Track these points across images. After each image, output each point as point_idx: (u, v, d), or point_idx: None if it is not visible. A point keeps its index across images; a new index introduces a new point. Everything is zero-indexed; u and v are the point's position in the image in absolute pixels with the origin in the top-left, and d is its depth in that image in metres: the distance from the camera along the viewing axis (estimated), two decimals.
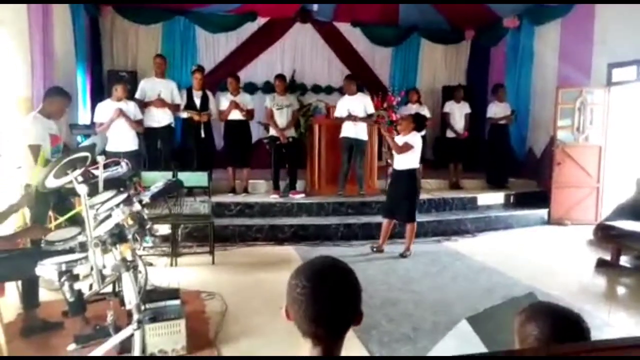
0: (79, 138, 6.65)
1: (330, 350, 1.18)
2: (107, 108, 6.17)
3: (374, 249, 5.93)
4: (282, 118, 7.23)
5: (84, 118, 7.38)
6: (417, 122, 5.76)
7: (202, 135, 6.96)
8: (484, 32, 10.05)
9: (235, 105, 7.08)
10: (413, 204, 5.72)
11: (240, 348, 3.37)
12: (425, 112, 8.04)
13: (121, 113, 6.09)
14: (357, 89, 7.29)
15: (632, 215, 5.77)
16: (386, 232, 5.87)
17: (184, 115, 7.04)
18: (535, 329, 1.38)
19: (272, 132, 7.28)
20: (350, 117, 6.98)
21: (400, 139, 5.66)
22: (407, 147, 5.55)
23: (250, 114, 7.28)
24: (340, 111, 7.18)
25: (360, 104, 7.09)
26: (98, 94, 7.94)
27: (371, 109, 7.16)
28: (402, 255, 5.74)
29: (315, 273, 1.18)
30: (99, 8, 8.38)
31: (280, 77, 7.49)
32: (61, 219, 3.82)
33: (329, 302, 1.15)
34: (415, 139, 5.60)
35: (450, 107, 8.49)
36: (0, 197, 4.16)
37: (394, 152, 5.73)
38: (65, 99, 4.32)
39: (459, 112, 8.38)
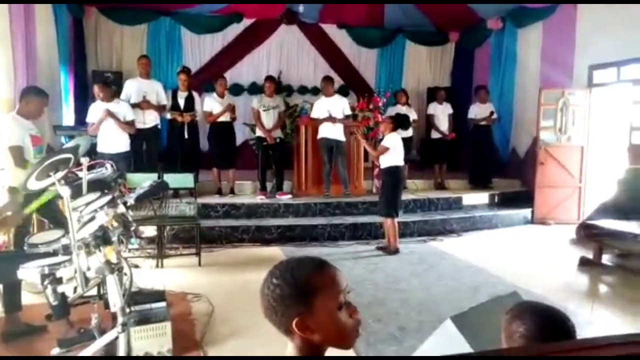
0: (63, 139, 6.57)
1: (303, 346, 1.13)
2: (98, 108, 6.09)
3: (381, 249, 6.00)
4: (269, 119, 7.23)
5: (68, 119, 7.30)
6: (398, 121, 6.00)
7: (186, 136, 6.92)
8: (468, 34, 10.15)
9: (232, 109, 7.12)
10: (391, 200, 5.82)
11: (227, 349, 3.36)
12: (412, 113, 8.12)
13: (109, 114, 6.01)
14: (334, 90, 7.35)
15: (613, 214, 5.88)
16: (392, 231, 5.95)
17: (168, 116, 7.01)
18: (521, 326, 1.40)
19: (259, 133, 7.27)
20: (330, 119, 7.00)
21: (383, 140, 5.91)
22: (382, 150, 5.82)
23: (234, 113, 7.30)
24: (317, 112, 7.20)
25: (338, 105, 7.13)
26: (82, 94, 7.87)
27: (348, 111, 7.25)
28: (379, 248, 5.96)
29: (274, 267, 1.18)
30: (83, 8, 8.29)
31: (270, 78, 7.51)
32: (34, 205, 3.71)
33: (262, 293, 1.16)
34: (391, 139, 5.81)
35: (434, 108, 8.56)
36: None
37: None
38: (42, 98, 4.24)
39: (442, 114, 8.46)
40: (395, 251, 5.84)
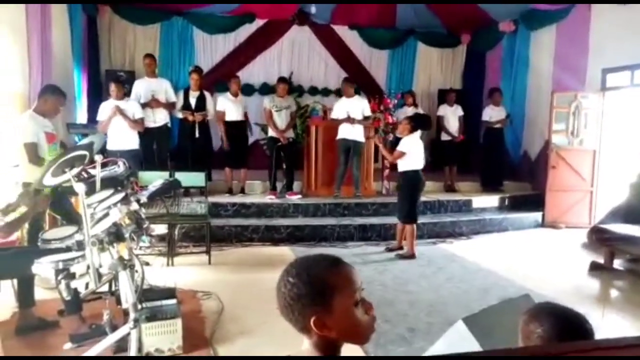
0: (76, 137, 6.64)
1: (320, 343, 1.14)
2: (108, 106, 6.17)
3: (392, 251, 5.98)
4: (281, 119, 7.25)
5: (81, 117, 7.38)
6: (416, 122, 5.86)
7: (197, 135, 6.96)
8: (480, 37, 10.11)
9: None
10: (409, 204, 5.75)
11: (236, 347, 3.38)
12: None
13: (118, 111, 6.08)
14: (354, 91, 7.33)
15: (625, 218, 5.84)
16: (409, 235, 5.88)
17: (179, 115, 7.05)
18: (539, 327, 1.39)
19: (271, 133, 7.30)
20: (349, 120, 7.01)
21: (400, 142, 5.80)
22: (398, 155, 5.73)
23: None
24: (337, 113, 7.21)
25: (358, 106, 7.13)
26: (95, 93, 7.94)
27: (368, 112, 7.21)
28: (396, 253, 5.86)
29: (289, 265, 1.18)
30: (97, 8, 8.36)
31: (283, 79, 7.54)
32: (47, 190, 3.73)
33: (278, 291, 1.15)
34: (408, 142, 5.69)
35: (444, 110, 8.53)
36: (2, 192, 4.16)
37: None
38: (59, 97, 4.31)
39: (452, 116, 8.42)
40: (411, 256, 5.75)
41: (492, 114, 8.27)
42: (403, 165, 5.74)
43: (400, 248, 5.96)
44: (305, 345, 1.18)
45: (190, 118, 6.92)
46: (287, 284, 1.14)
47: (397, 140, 7.15)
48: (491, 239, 6.97)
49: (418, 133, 5.83)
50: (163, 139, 6.97)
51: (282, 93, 7.35)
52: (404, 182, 5.83)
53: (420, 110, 8.43)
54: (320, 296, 1.11)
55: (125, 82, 7.88)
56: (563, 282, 5.05)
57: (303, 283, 1.12)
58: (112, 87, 6.23)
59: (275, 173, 7.29)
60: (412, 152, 5.67)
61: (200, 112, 6.99)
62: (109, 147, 6.12)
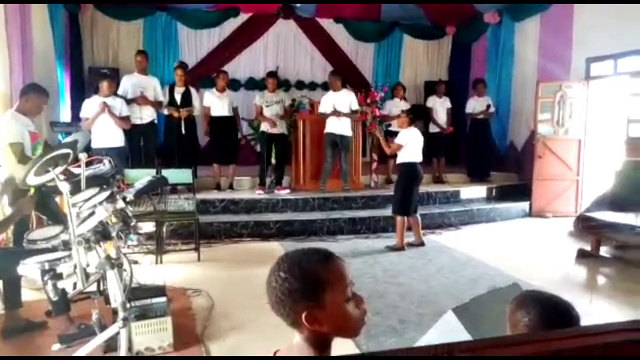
0: (60, 136, 6.55)
1: (311, 336, 1.14)
2: (93, 103, 6.06)
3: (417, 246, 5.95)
4: (272, 114, 7.21)
5: (64, 115, 7.28)
6: (414, 114, 5.99)
7: (183, 132, 6.89)
8: (465, 28, 10.14)
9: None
10: (402, 196, 5.77)
11: (227, 344, 3.37)
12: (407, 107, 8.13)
13: (105, 108, 5.98)
14: (342, 85, 7.31)
15: (611, 206, 5.90)
16: (416, 227, 5.95)
17: (165, 112, 6.99)
18: (525, 316, 1.40)
19: (263, 127, 7.26)
20: (335, 113, 6.99)
21: (398, 135, 5.83)
22: (396, 148, 5.75)
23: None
24: (324, 107, 7.19)
25: (345, 100, 7.12)
26: (79, 91, 7.84)
27: (356, 105, 7.20)
28: (386, 245, 5.88)
29: (279, 259, 1.17)
30: (79, 5, 8.24)
31: (272, 74, 7.51)
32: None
33: (269, 286, 1.14)
34: (405, 135, 5.72)
35: (433, 102, 8.56)
36: None
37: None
38: (42, 96, 4.22)
39: (441, 107, 8.46)
40: (400, 248, 5.76)
41: (475, 105, 8.33)
42: (400, 158, 5.78)
43: (422, 243, 5.92)
44: (296, 339, 1.17)
45: (176, 114, 6.85)
46: (278, 279, 1.12)
47: (387, 133, 7.18)
48: (479, 229, 7.02)
49: (413, 129, 5.84)
50: (150, 135, 6.90)
51: (272, 88, 7.31)
52: (400, 174, 5.89)
53: (408, 104, 8.43)
54: (312, 291, 1.10)
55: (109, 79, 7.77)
56: (551, 270, 5.11)
57: (294, 278, 1.10)
58: (105, 84, 6.08)
59: (266, 168, 7.26)
60: (409, 145, 5.69)
61: (186, 108, 6.93)
62: (94, 144, 6.02)
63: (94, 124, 6.03)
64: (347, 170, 7.27)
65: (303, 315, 1.09)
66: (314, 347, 1.15)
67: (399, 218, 5.81)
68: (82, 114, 6.12)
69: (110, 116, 6.01)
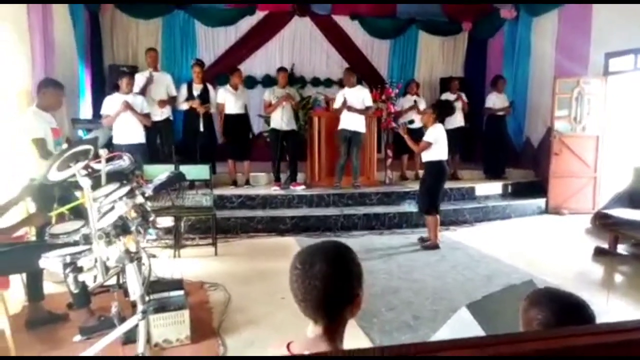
0: (81, 132, 6.67)
1: (330, 330, 1.23)
2: (114, 101, 6.15)
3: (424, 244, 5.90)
4: (281, 110, 7.21)
5: (85, 112, 7.40)
6: (440, 110, 5.79)
7: (201, 128, 6.98)
8: (481, 24, 10.05)
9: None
10: (432, 195, 5.70)
11: (243, 337, 3.42)
12: (422, 104, 8.11)
13: (128, 105, 6.08)
14: (356, 81, 7.32)
15: (629, 203, 5.82)
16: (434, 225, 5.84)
17: (185, 106, 7.06)
18: (540, 313, 1.39)
19: (273, 124, 7.30)
20: (344, 106, 6.98)
21: (426, 133, 5.68)
22: (424, 146, 5.61)
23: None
24: (338, 103, 7.21)
25: (358, 96, 7.12)
26: (99, 88, 7.96)
27: (369, 102, 7.19)
28: (423, 243, 5.84)
29: (307, 256, 1.25)
30: (99, 4, 8.37)
31: (282, 69, 7.53)
32: (63, 209, 3.84)
33: (315, 285, 1.20)
34: (433, 132, 5.60)
35: (447, 98, 8.49)
36: (5, 191, 4.19)
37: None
38: (58, 90, 4.28)
39: (455, 103, 8.36)
40: (435, 247, 5.70)
41: (495, 101, 8.24)
42: (428, 156, 5.65)
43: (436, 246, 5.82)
44: (311, 333, 1.22)
45: (198, 108, 6.92)
46: (341, 267, 1.25)
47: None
48: (495, 226, 6.99)
49: (439, 126, 5.71)
50: (166, 132, 7.02)
51: (283, 82, 7.35)
52: (429, 173, 5.74)
53: (422, 100, 8.39)
54: (360, 278, 1.28)
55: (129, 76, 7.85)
56: (567, 267, 5.08)
57: (356, 265, 1.29)
58: (125, 81, 6.15)
59: (278, 164, 7.31)
60: (438, 142, 5.58)
61: (205, 104, 7.01)
62: (116, 141, 6.12)
63: (116, 120, 6.12)
64: (357, 167, 7.26)
65: (360, 295, 1.26)
66: (330, 340, 1.22)
67: (431, 217, 5.74)
68: (103, 111, 6.22)
69: (132, 113, 6.10)
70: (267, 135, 7.44)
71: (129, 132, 6.15)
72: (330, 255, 1.25)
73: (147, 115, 6.33)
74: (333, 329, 1.24)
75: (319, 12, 9.76)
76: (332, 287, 1.21)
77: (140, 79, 6.88)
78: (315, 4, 9.33)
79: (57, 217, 4.46)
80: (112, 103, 6.16)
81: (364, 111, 7.10)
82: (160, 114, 6.88)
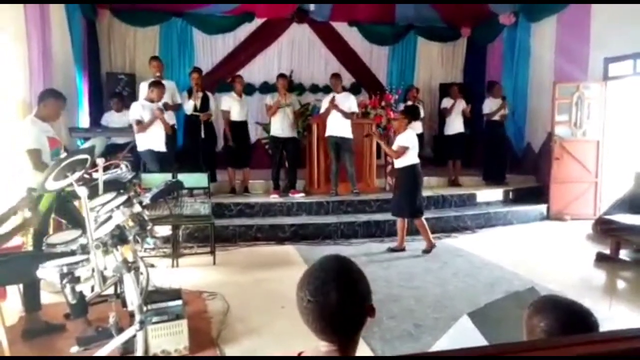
0: (78, 142, 6.65)
1: (346, 347, 1.24)
2: (144, 108, 6.05)
3: (391, 249, 5.88)
4: (282, 116, 7.19)
5: (83, 121, 7.39)
6: (410, 114, 5.83)
7: (203, 136, 6.97)
8: (480, 30, 10.08)
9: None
10: (414, 199, 5.69)
11: (242, 347, 3.38)
12: (421, 110, 8.09)
13: (161, 113, 6.02)
14: (343, 87, 7.36)
15: (630, 209, 5.80)
16: (402, 231, 5.84)
17: (189, 111, 7.03)
18: (542, 321, 1.37)
19: (272, 131, 7.28)
20: (332, 105, 6.95)
21: (398, 139, 5.69)
22: (402, 151, 5.61)
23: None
24: (324, 107, 7.22)
25: (344, 102, 7.10)
26: (97, 97, 7.95)
27: (355, 108, 7.18)
28: (425, 251, 5.77)
29: (317, 288, 1.21)
30: (96, 11, 8.38)
31: (282, 76, 7.52)
32: (44, 202, 3.76)
33: (334, 316, 1.20)
34: (406, 137, 5.62)
35: (447, 103, 8.48)
36: (3, 201, 4.15)
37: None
38: (59, 101, 4.26)
39: (455, 109, 8.36)
40: (432, 247, 5.75)
41: (492, 105, 8.22)
42: (403, 162, 5.65)
43: (403, 249, 5.86)
44: (324, 346, 1.23)
45: (203, 117, 6.92)
46: (350, 280, 1.26)
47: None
48: (496, 232, 6.95)
49: (412, 126, 5.79)
50: (170, 140, 6.98)
51: (283, 89, 7.34)
52: (406, 178, 5.71)
53: (420, 106, 8.38)
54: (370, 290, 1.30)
55: (126, 84, 7.86)
56: (569, 274, 5.04)
57: (364, 280, 1.29)
58: (155, 90, 6.06)
59: (278, 172, 7.28)
60: (415, 146, 5.64)
61: (205, 112, 7.01)
62: (142, 148, 6.09)
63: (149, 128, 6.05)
64: (353, 174, 7.18)
65: (368, 306, 1.27)
66: (345, 354, 1.24)
67: (418, 221, 5.74)
68: (135, 116, 6.03)
69: (160, 121, 6.05)
70: (267, 142, 7.42)
71: (155, 139, 6.08)
72: (342, 280, 1.22)
73: (169, 124, 6.34)
74: (351, 346, 1.25)
75: (318, 19, 9.78)
76: (350, 312, 1.22)
77: (144, 88, 6.84)
78: (314, 10, 9.32)
79: (55, 222, 4.45)
80: (141, 109, 6.04)
81: (349, 115, 7.06)
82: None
